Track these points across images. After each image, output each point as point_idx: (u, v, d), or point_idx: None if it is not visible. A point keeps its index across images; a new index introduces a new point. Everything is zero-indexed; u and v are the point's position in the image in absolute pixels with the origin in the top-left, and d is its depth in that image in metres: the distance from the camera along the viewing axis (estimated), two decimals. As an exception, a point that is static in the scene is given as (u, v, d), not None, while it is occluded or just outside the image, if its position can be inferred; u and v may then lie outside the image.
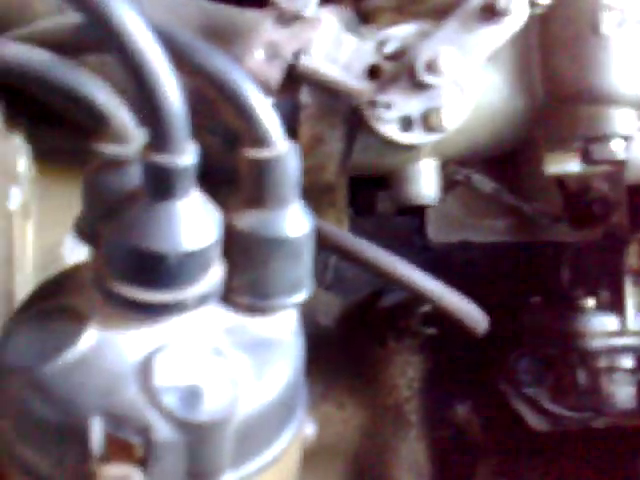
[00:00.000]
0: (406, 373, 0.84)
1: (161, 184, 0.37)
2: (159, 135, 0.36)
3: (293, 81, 0.51)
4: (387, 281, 0.55)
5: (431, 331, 0.74)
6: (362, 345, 0.84)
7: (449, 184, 0.69)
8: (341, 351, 0.84)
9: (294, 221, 0.41)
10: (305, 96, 0.53)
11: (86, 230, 0.45)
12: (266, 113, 0.39)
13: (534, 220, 0.78)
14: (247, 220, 0.40)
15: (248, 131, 0.39)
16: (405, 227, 0.84)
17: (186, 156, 0.37)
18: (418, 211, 0.79)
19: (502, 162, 0.74)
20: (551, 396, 0.77)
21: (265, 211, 0.40)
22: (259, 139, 0.39)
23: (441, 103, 0.52)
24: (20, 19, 0.54)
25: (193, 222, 0.38)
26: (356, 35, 0.53)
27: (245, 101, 0.39)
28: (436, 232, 0.82)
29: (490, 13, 0.51)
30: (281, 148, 0.40)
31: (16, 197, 0.55)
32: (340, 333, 0.84)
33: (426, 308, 0.74)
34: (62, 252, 0.61)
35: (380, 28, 0.56)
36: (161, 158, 0.36)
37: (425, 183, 0.60)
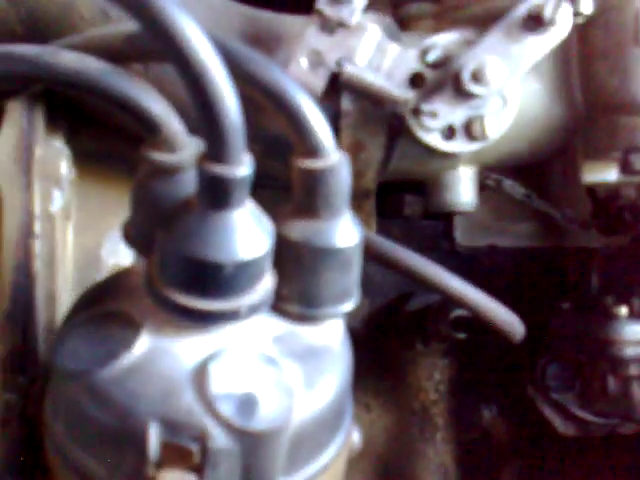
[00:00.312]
0: (433, 376, 0.85)
1: (218, 194, 0.37)
2: (217, 146, 0.36)
3: (335, 88, 0.52)
4: (425, 287, 0.56)
5: (461, 336, 0.74)
6: (389, 348, 0.84)
7: (479, 188, 0.70)
8: (368, 353, 0.84)
9: (345, 231, 0.41)
10: (346, 103, 0.53)
11: (134, 235, 0.45)
12: (319, 124, 0.40)
13: (563, 226, 0.78)
14: (299, 230, 0.41)
15: (301, 141, 0.40)
16: (432, 231, 0.85)
17: (243, 167, 0.37)
18: (445, 216, 0.79)
19: (532, 168, 0.74)
20: (579, 402, 0.78)
21: (317, 221, 0.40)
22: (312, 149, 0.40)
23: (484, 112, 0.52)
24: (63, 25, 0.54)
25: (248, 232, 0.38)
26: (398, 43, 0.53)
27: (299, 112, 0.39)
28: (464, 236, 0.82)
29: (535, 23, 0.51)
30: (334, 158, 0.40)
31: (58, 200, 0.56)
32: (367, 336, 0.84)
33: (457, 313, 0.74)
34: (101, 253, 0.62)
35: (421, 35, 0.56)
36: (219, 169, 0.37)
37: (463, 190, 0.60)
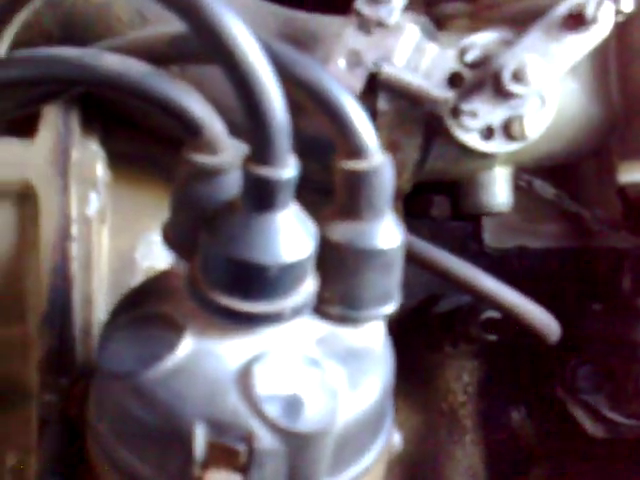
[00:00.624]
0: (461, 378, 0.85)
1: (263, 196, 0.37)
2: (263, 147, 0.37)
3: (372, 88, 0.52)
4: (460, 288, 0.56)
5: (492, 337, 0.74)
6: (417, 349, 0.84)
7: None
8: (396, 355, 0.84)
9: (388, 233, 0.41)
10: (383, 103, 0.53)
11: (174, 236, 0.45)
12: (363, 125, 0.40)
13: (593, 227, 0.78)
14: (342, 231, 0.41)
15: (345, 142, 0.40)
16: (461, 232, 0.84)
17: (289, 169, 0.37)
18: (473, 217, 0.79)
19: (562, 169, 0.74)
20: (609, 403, 0.77)
21: (360, 222, 0.41)
22: (356, 150, 0.40)
23: (523, 112, 0.52)
24: (100, 27, 0.55)
25: (292, 234, 0.38)
26: (436, 42, 0.53)
27: (343, 113, 0.40)
28: (492, 237, 0.82)
29: (576, 22, 0.50)
30: (377, 160, 0.40)
31: (94, 202, 0.56)
32: (395, 337, 0.84)
33: (488, 314, 0.74)
34: (135, 256, 0.62)
35: (457, 34, 0.56)
36: (264, 171, 0.37)
37: (498, 191, 0.60)
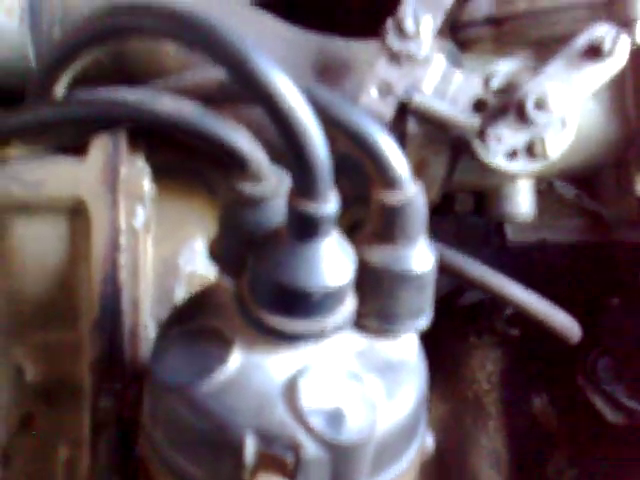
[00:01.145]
0: (485, 367, 0.88)
1: (307, 228, 0.41)
2: (307, 185, 0.40)
3: (402, 112, 0.55)
4: (488, 294, 0.59)
5: (515, 332, 0.78)
6: (443, 340, 0.87)
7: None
8: (422, 345, 0.87)
9: (421, 256, 0.44)
10: (412, 126, 0.56)
11: (219, 253, 0.49)
12: (397, 159, 0.43)
13: (612, 223, 0.80)
14: (378, 255, 0.44)
15: (380, 175, 0.43)
16: (483, 227, 0.87)
17: (330, 203, 0.40)
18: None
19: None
20: (629, 393, 0.80)
21: (395, 247, 0.44)
22: (390, 183, 0.43)
23: (545, 134, 0.55)
24: (151, 62, 0.58)
25: (334, 260, 0.42)
26: (461, 70, 0.56)
27: (378, 149, 0.43)
28: (514, 232, 0.85)
29: (595, 53, 0.53)
30: (410, 191, 0.43)
31: (141, 215, 0.60)
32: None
33: (511, 310, 0.77)
34: (178, 262, 0.66)
35: (481, 59, 0.59)
36: (308, 207, 0.40)
37: (522, 201, 0.63)
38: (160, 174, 0.64)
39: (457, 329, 0.87)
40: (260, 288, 0.43)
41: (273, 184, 0.46)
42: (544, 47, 0.59)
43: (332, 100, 0.43)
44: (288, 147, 0.39)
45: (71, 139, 0.49)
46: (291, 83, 0.39)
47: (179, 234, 0.66)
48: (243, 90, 0.40)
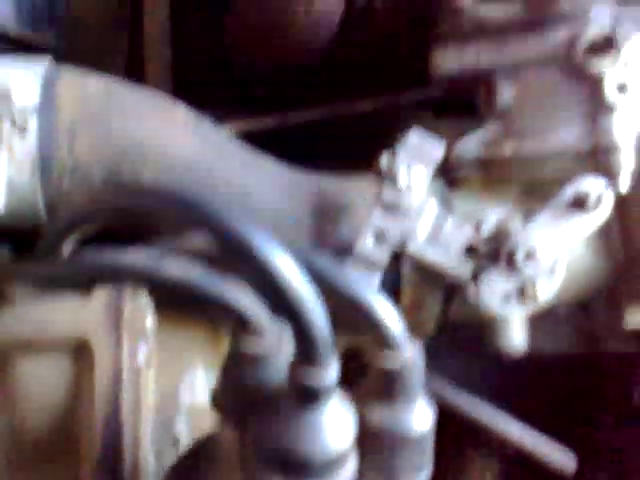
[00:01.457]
0: (485, 477, 0.88)
1: (309, 397, 0.42)
2: (308, 354, 0.42)
3: (397, 257, 0.57)
4: (484, 431, 0.60)
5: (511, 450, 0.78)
6: (440, 453, 0.88)
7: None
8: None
9: (421, 415, 0.46)
10: (407, 269, 0.58)
11: (222, 404, 0.50)
12: (394, 322, 0.45)
13: (604, 336, 0.82)
14: (378, 415, 0.46)
15: (379, 338, 0.45)
16: (476, 337, 0.88)
17: (331, 371, 0.42)
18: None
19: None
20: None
21: (395, 407, 0.46)
22: (389, 345, 0.45)
23: (536, 280, 0.57)
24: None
25: (336, 425, 0.43)
26: (451, 213, 0.59)
27: (375, 314, 0.45)
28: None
29: (581, 204, 0.56)
30: (408, 352, 0.45)
31: (143, 352, 0.61)
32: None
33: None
34: (179, 393, 0.66)
35: (470, 198, 0.62)
36: (309, 376, 0.42)
37: (515, 335, 0.64)
38: (162, 306, 0.66)
39: (454, 442, 0.88)
40: (262, 450, 0.44)
41: (274, 340, 0.47)
42: (532, 189, 0.62)
43: (329, 267, 0.45)
44: (290, 321, 0.41)
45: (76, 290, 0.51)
46: (290, 260, 0.41)
47: (180, 364, 0.67)
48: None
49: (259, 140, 0.75)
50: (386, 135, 0.79)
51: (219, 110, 0.78)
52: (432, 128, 0.79)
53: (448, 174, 0.63)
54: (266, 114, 0.78)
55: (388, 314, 0.45)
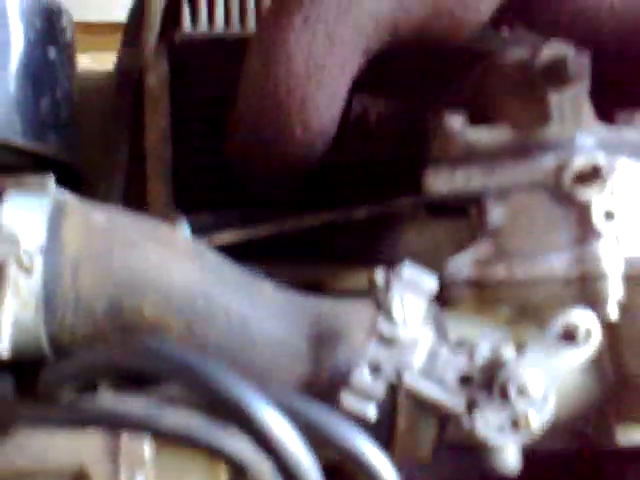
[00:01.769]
0: None
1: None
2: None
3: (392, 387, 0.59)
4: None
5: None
6: None
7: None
8: None
9: None
10: (402, 396, 0.60)
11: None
12: (388, 473, 0.46)
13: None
14: None
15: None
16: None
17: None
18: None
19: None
20: None
21: None
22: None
23: (529, 411, 0.59)
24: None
25: None
26: (446, 341, 0.60)
27: (372, 467, 0.46)
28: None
29: (571, 337, 0.58)
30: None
31: (140, 480, 0.62)
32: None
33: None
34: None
35: (463, 319, 0.63)
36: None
37: (509, 457, 0.65)
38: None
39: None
40: None
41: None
42: (524, 311, 0.63)
43: (322, 418, 0.47)
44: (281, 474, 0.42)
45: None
46: (281, 420, 0.42)
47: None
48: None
49: (257, 245, 0.77)
50: (382, 235, 0.81)
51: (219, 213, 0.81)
52: (427, 228, 0.81)
53: (441, 292, 0.65)
54: (264, 221, 0.80)
55: (383, 466, 0.46)
